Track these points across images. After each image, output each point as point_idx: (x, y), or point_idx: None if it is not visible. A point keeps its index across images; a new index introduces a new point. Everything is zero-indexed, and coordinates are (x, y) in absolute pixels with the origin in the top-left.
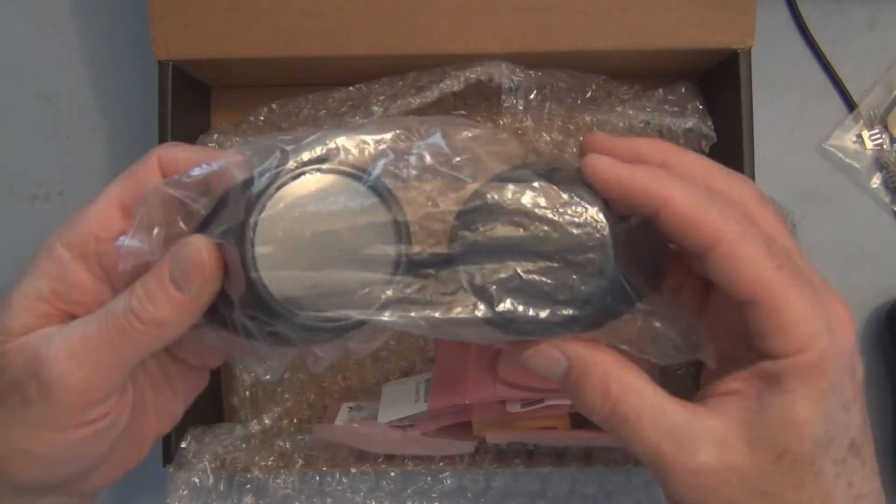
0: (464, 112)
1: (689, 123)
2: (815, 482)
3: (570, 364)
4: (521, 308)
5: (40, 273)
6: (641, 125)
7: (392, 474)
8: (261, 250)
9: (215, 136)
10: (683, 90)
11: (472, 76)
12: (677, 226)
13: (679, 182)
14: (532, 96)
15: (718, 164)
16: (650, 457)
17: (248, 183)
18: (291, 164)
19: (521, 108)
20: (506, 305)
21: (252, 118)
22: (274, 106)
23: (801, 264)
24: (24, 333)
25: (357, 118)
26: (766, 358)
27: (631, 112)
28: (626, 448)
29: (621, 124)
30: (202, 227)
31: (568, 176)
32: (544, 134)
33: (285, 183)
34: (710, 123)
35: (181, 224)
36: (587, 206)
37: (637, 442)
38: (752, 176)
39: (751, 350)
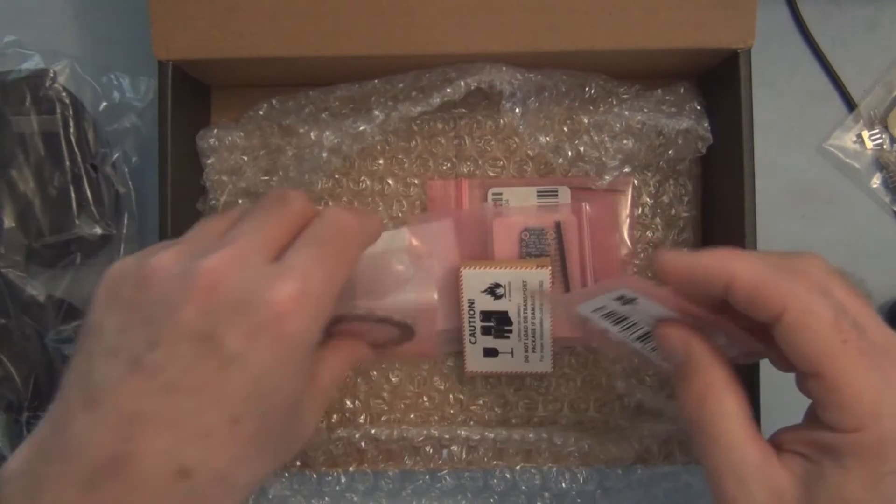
0: (464, 110)
1: (685, 124)
2: None
3: (686, 361)
4: None
5: None
6: (639, 126)
7: (390, 473)
8: None
9: (215, 130)
10: (682, 90)
11: (472, 84)
12: (746, 298)
13: (744, 256)
14: (531, 100)
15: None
16: (711, 480)
17: None
18: None
19: (518, 112)
20: None
21: (251, 113)
22: (274, 102)
23: (877, 337)
24: None
25: (358, 123)
26: (826, 428)
27: (627, 113)
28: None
29: (618, 126)
30: None
31: None
32: (540, 137)
33: None
34: (706, 125)
35: None
36: None
37: (706, 460)
38: (751, 176)
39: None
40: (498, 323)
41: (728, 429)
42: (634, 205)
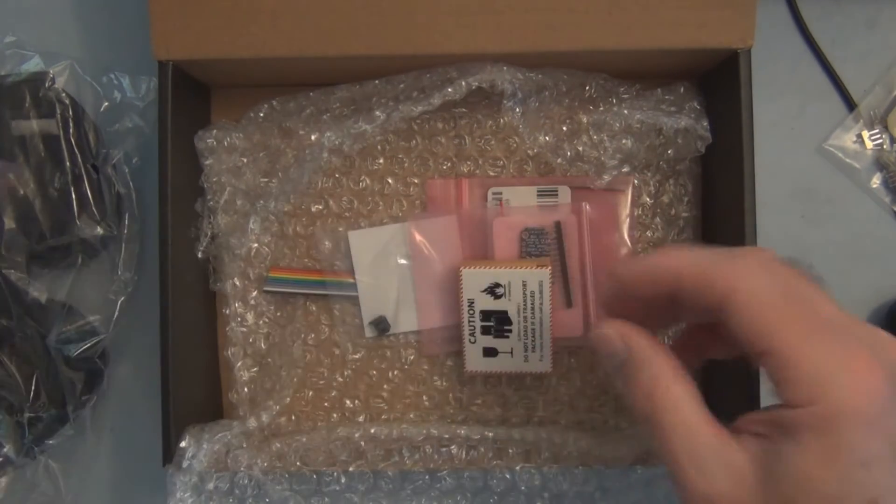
0: (464, 109)
1: (684, 123)
2: None
3: (628, 357)
4: None
5: None
6: (638, 125)
7: (390, 473)
8: None
9: (214, 131)
10: (682, 90)
11: (473, 83)
12: (694, 286)
13: (688, 250)
14: (531, 99)
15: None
16: (672, 469)
17: None
18: None
19: (519, 112)
20: None
21: (252, 114)
22: (274, 103)
23: (828, 314)
24: None
25: (360, 123)
26: (783, 406)
27: (626, 112)
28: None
29: (617, 125)
30: None
31: None
32: (540, 137)
33: None
34: (705, 124)
35: None
36: None
37: (664, 452)
38: (751, 176)
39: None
40: (498, 323)
41: (682, 417)
42: (634, 204)
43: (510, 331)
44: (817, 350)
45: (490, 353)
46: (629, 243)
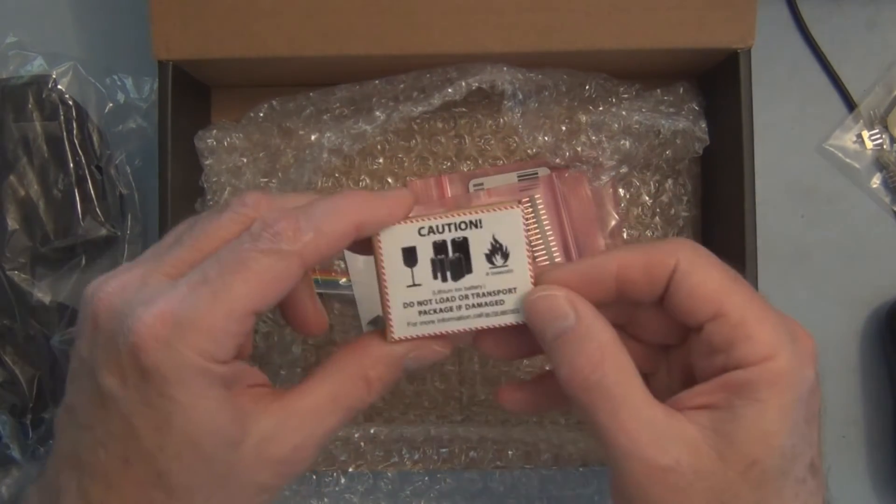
0: (464, 109)
1: (682, 125)
2: (776, 499)
3: (575, 324)
4: None
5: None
6: (636, 126)
7: (389, 475)
8: None
9: (214, 131)
10: (682, 90)
11: (473, 84)
12: (641, 273)
13: (618, 248)
14: (531, 99)
15: None
16: (622, 442)
17: None
18: None
19: (518, 113)
20: None
21: (252, 114)
22: (274, 103)
23: (754, 290)
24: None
25: (360, 123)
26: (733, 369)
27: (625, 113)
28: (587, 424)
29: (616, 125)
30: None
31: None
32: (538, 137)
33: None
34: (703, 126)
35: None
36: None
37: (612, 422)
38: (751, 176)
39: (713, 366)
40: (462, 260)
41: (632, 390)
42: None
43: (460, 277)
44: (763, 306)
45: (409, 258)
46: (615, 214)
